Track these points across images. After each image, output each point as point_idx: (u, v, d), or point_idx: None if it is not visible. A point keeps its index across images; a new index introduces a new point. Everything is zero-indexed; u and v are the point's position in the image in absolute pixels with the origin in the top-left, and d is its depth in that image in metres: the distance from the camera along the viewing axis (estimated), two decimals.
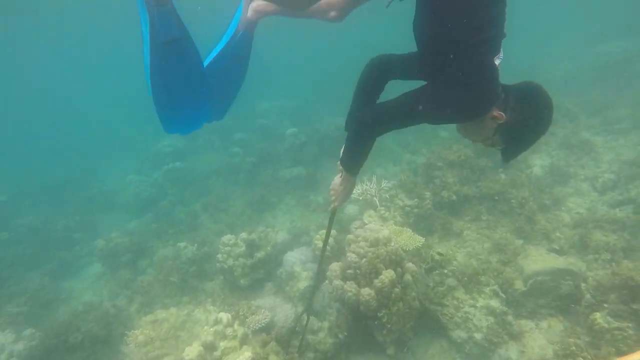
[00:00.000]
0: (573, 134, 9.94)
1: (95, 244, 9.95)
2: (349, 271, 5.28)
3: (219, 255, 7.77)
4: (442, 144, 12.43)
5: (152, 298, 7.94)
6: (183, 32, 2.84)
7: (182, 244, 9.12)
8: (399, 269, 5.38)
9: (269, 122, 18.70)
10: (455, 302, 5.86)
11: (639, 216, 6.98)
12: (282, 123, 18.64)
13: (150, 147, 17.14)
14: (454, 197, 8.06)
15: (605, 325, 5.18)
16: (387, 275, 5.00)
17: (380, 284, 4.96)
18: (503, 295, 5.87)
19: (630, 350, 5.01)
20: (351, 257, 5.30)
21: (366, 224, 6.54)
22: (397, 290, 5.07)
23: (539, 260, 6.21)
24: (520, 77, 2.74)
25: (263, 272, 7.64)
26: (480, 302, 5.75)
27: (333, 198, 3.41)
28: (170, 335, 4.97)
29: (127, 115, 24.63)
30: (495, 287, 5.88)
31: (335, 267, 5.47)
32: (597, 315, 5.29)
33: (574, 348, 4.70)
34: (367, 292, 4.98)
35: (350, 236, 5.82)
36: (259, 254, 7.67)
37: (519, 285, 6.04)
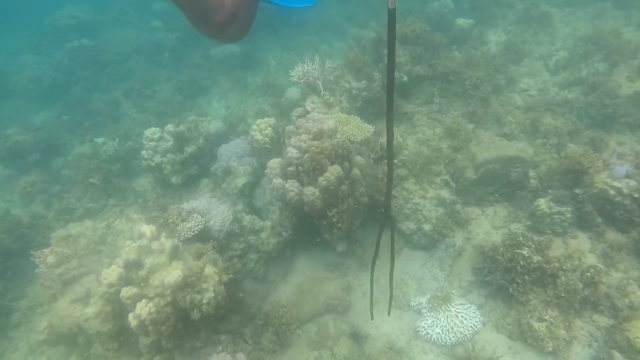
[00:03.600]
0: (533, 6, 9.11)
1: None
2: (290, 168, 4.63)
3: (144, 152, 6.76)
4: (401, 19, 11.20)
5: (72, 203, 7.01)
6: None
7: (100, 140, 7.91)
8: (346, 164, 4.81)
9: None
10: (405, 194, 5.55)
11: (587, 97, 6.74)
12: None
13: (44, 18, 14.06)
14: (405, 78, 7.30)
15: (547, 210, 5.16)
16: (333, 172, 4.41)
17: (325, 182, 4.40)
18: (453, 184, 5.62)
19: (565, 232, 5.15)
20: (292, 152, 4.59)
21: (309, 112, 5.73)
22: (344, 187, 4.56)
23: (491, 147, 5.90)
24: None
25: (196, 168, 6.85)
26: (431, 193, 5.48)
27: None
28: (89, 251, 4.27)
29: None
30: (447, 176, 5.59)
31: (274, 164, 4.78)
32: (541, 201, 5.24)
33: (520, 239, 4.63)
34: (311, 192, 4.42)
35: (290, 127, 5.03)
36: (190, 148, 6.76)
37: (470, 173, 5.80)
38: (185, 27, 12.86)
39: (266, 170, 4.90)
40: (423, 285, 5.24)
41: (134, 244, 3.83)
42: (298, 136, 4.83)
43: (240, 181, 6.01)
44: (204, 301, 3.58)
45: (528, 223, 5.44)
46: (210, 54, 11.86)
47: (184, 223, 4.50)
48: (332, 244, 5.00)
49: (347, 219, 4.57)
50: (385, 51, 7.61)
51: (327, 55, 10.59)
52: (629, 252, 4.84)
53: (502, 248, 4.79)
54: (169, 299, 3.53)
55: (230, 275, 4.33)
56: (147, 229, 3.88)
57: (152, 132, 6.80)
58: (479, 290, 5.03)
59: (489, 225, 5.62)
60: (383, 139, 6.31)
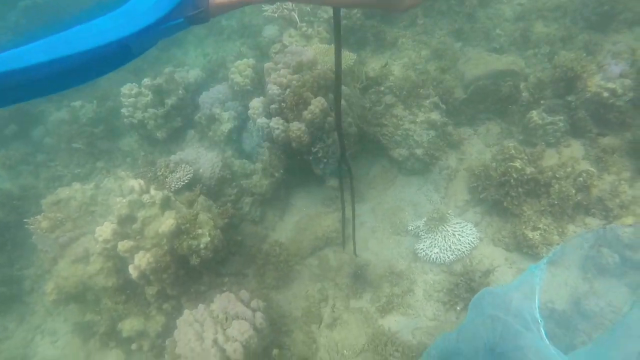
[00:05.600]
0: None
1: None
2: (273, 106, 4.47)
3: (124, 110, 6.54)
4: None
5: (60, 170, 6.90)
6: None
7: (77, 103, 7.62)
8: (330, 95, 4.64)
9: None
10: (395, 120, 5.43)
11: None
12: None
13: None
14: None
15: (540, 121, 5.06)
16: (317, 104, 4.27)
17: (310, 115, 4.27)
18: (443, 106, 5.47)
19: (558, 142, 5.09)
20: (273, 89, 4.41)
21: (287, 47, 5.45)
22: (330, 119, 4.43)
23: (480, 63, 5.69)
24: None
25: (180, 120, 6.65)
26: (420, 117, 5.35)
27: None
28: (82, 213, 4.24)
29: None
30: (435, 98, 5.42)
31: (256, 103, 4.63)
32: (534, 113, 5.13)
33: (512, 152, 4.58)
34: (296, 127, 4.31)
35: (269, 64, 4.81)
36: (170, 100, 6.52)
37: (459, 93, 5.64)
38: None
39: (249, 112, 4.74)
40: (419, 210, 5.28)
41: (124, 200, 3.79)
42: (277, 72, 4.63)
43: (226, 127, 5.85)
44: (201, 246, 3.61)
45: (521, 137, 5.36)
46: None
47: (172, 174, 4.43)
48: (323, 178, 4.96)
49: (335, 152, 4.49)
50: None
51: None
52: (622, 154, 4.80)
53: (494, 163, 4.76)
54: (166, 247, 3.55)
55: (226, 220, 4.34)
56: (136, 183, 3.82)
57: (129, 88, 6.52)
58: (474, 208, 5.07)
59: (481, 144, 5.55)
60: (367, 68, 6.08)
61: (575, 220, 4.51)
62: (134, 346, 3.86)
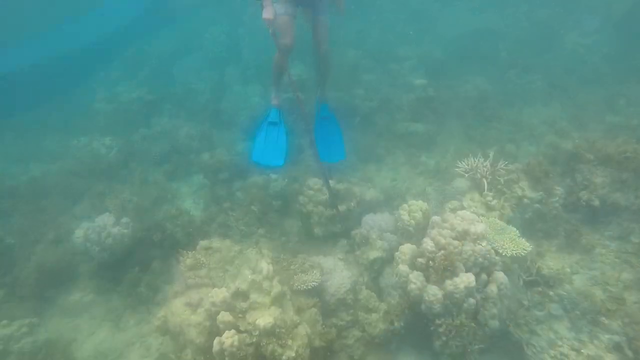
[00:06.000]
0: None
1: (202, 155, 10.48)
2: (420, 260, 4.32)
3: (300, 197, 7.40)
4: (605, 130, 9.83)
5: (231, 221, 8.08)
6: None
7: (274, 176, 9.00)
8: (483, 276, 4.23)
9: (401, 69, 17.08)
10: (552, 336, 4.51)
11: None
12: (416, 72, 16.90)
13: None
14: (597, 203, 6.14)
15: None
16: (464, 279, 3.92)
17: (452, 287, 3.94)
18: (630, 352, 4.28)
19: None
20: (427, 244, 4.30)
21: (464, 208, 5.33)
22: (472, 301, 3.98)
23: None
24: None
25: (340, 227, 7.05)
26: (590, 350, 4.29)
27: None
28: (219, 267, 4.79)
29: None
30: (621, 338, 4.30)
31: (405, 249, 4.56)
32: None
33: None
34: (433, 292, 4.01)
35: (436, 218, 4.75)
36: (341, 207, 7.05)
37: None
38: (381, 98, 13.96)
39: (396, 253, 4.70)
40: None
41: (250, 276, 4.12)
42: (440, 229, 4.52)
43: (374, 254, 5.90)
44: (283, 357, 3.53)
45: None
46: (394, 126, 12.45)
47: (302, 274, 4.63)
48: (440, 356, 4.36)
49: (460, 338, 3.93)
50: (580, 166, 6.68)
51: (512, 157, 9.83)
52: None
53: None
54: (254, 339, 3.62)
55: (323, 344, 4.19)
56: (265, 266, 4.13)
57: (314, 182, 7.40)
58: None
59: None
60: (543, 262, 5.35)
61: None
62: None
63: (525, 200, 6.35)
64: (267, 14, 5.15)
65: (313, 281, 4.56)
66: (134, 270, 7.20)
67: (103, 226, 7.35)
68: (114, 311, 6.96)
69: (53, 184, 10.40)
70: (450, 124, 12.83)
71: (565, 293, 4.81)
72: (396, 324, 4.93)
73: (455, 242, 4.18)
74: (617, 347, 4.24)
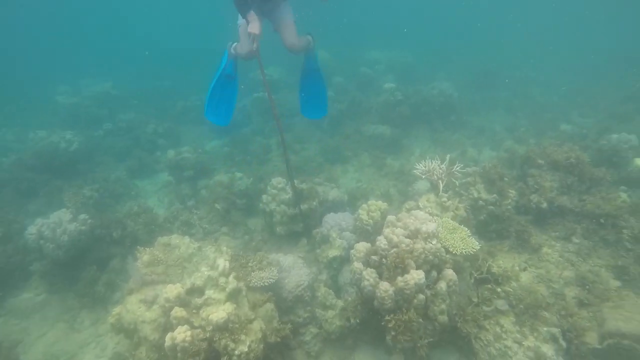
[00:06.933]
0: None
1: (167, 153, 10.33)
2: (374, 257, 4.46)
3: (264, 196, 7.43)
4: (557, 137, 10.36)
5: (194, 219, 8.03)
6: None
7: (239, 174, 8.99)
8: (434, 273, 4.41)
9: (372, 72, 17.42)
10: (498, 330, 4.74)
11: None
12: (386, 76, 17.26)
13: (252, 73, 17.15)
14: (545, 205, 6.50)
15: None
16: (415, 276, 4.08)
17: (403, 284, 4.09)
18: (563, 343, 4.57)
19: None
20: (381, 241, 4.45)
21: (420, 209, 5.53)
22: (421, 297, 4.15)
23: (634, 319, 4.68)
24: None
25: (301, 227, 7.13)
26: (529, 342, 4.55)
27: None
28: (177, 264, 4.77)
29: None
30: (557, 331, 4.59)
31: (360, 247, 4.69)
32: None
33: None
34: (384, 288, 4.15)
35: (391, 217, 4.92)
36: (303, 206, 7.13)
37: (591, 339, 4.66)
38: (351, 101, 14.18)
39: (351, 251, 4.83)
40: None
41: (206, 272, 4.14)
42: (394, 228, 4.68)
43: (332, 253, 6.01)
44: (236, 352, 3.57)
45: None
46: (362, 128, 12.68)
47: (259, 271, 4.68)
48: (391, 351, 4.51)
49: (409, 333, 4.09)
50: (531, 171, 7.04)
51: (473, 161, 10.26)
52: None
53: None
54: (207, 335, 3.64)
55: (278, 339, 4.25)
56: (222, 262, 4.16)
57: (277, 181, 7.45)
58: None
59: None
60: (494, 262, 5.62)
61: None
62: None
63: (481, 202, 6.65)
64: (252, 28, 5.35)
65: (270, 278, 4.61)
66: (92, 268, 7.02)
67: (59, 222, 7.13)
68: (68, 311, 6.76)
69: (6, 178, 9.97)
70: (417, 128, 13.20)
71: (511, 290, 5.06)
72: (352, 320, 5.03)
73: (407, 241, 4.34)
74: (553, 338, 4.51)
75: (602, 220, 6.22)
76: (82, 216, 7.34)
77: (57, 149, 10.58)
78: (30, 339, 6.20)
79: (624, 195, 6.98)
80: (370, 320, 4.98)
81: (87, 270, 6.92)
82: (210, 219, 7.95)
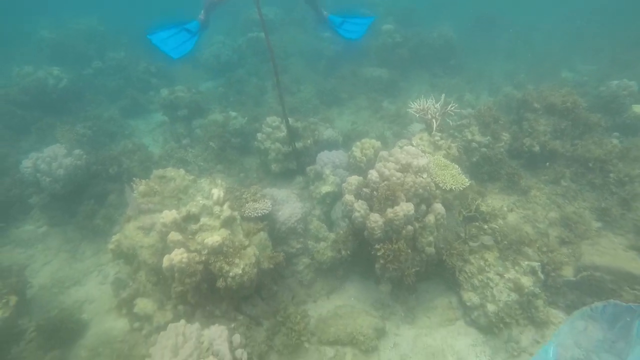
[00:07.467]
0: None
1: (161, 92, 10.14)
2: (365, 190, 4.57)
3: (259, 135, 7.43)
4: (557, 85, 10.24)
5: (190, 157, 8.06)
6: None
7: (233, 113, 8.91)
8: (423, 206, 4.55)
9: (371, 14, 16.72)
10: (482, 264, 4.98)
11: None
12: (385, 18, 16.61)
13: (244, 13, 16.43)
14: (537, 149, 6.58)
15: None
16: (404, 208, 4.21)
17: (392, 215, 4.23)
18: (542, 275, 4.83)
19: None
20: (372, 175, 4.54)
21: (412, 146, 5.57)
22: (410, 228, 4.31)
23: (607, 253, 4.93)
24: None
25: (296, 165, 7.20)
26: (510, 274, 4.80)
27: None
28: (172, 195, 4.86)
29: None
30: (536, 264, 4.83)
31: (352, 180, 4.79)
32: None
33: None
34: (374, 219, 4.29)
35: (384, 153, 4.98)
36: (298, 144, 7.16)
37: (567, 272, 4.93)
38: (347, 44, 13.74)
39: (343, 184, 4.93)
40: None
41: (201, 201, 4.24)
42: (386, 162, 4.76)
43: (326, 189, 6.13)
44: (230, 274, 3.77)
45: None
46: (359, 71, 12.42)
47: (253, 202, 4.79)
48: (380, 279, 4.76)
49: (397, 261, 4.29)
50: (527, 115, 7.03)
51: (470, 106, 10.17)
52: None
53: None
54: (203, 257, 3.82)
55: (271, 266, 4.45)
56: (216, 192, 4.26)
57: (272, 119, 7.42)
58: None
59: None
60: (483, 201, 5.78)
61: None
62: (136, 324, 4.13)
63: (474, 144, 6.71)
64: None
65: (263, 209, 4.74)
66: (90, 202, 7.15)
67: (54, 156, 7.13)
68: (69, 242, 6.96)
69: None
70: (415, 71, 12.94)
71: (497, 227, 5.25)
72: (343, 252, 5.25)
73: (398, 174, 4.43)
74: (533, 271, 4.77)
75: (590, 164, 6.33)
76: (77, 151, 7.33)
77: (46, 85, 10.33)
78: (36, 265, 6.45)
79: (615, 141, 7.07)
80: (360, 252, 5.20)
81: (85, 204, 7.04)
82: (206, 157, 7.99)
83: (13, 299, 4.58)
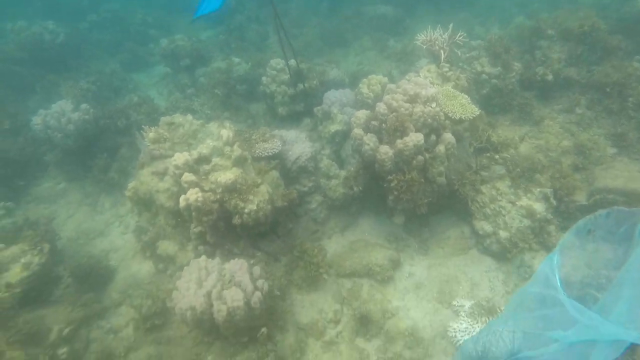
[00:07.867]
0: None
1: (160, 42, 9.89)
2: (374, 122, 4.52)
3: (264, 78, 7.30)
4: (575, 8, 9.69)
5: (196, 105, 8.01)
6: None
7: (236, 59, 8.70)
8: (433, 137, 4.51)
9: None
10: (494, 193, 5.01)
11: None
12: None
13: None
14: (550, 77, 6.35)
15: None
16: (414, 138, 4.18)
17: (402, 145, 4.21)
18: (554, 201, 4.85)
19: None
20: (380, 107, 4.47)
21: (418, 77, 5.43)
22: (420, 158, 4.31)
23: (622, 176, 4.89)
24: None
25: (303, 106, 7.11)
26: (522, 202, 4.83)
27: None
28: (182, 141, 4.89)
29: None
30: (549, 190, 4.84)
31: (360, 114, 4.73)
32: None
33: None
34: (384, 151, 4.29)
35: (391, 85, 4.88)
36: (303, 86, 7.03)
37: (580, 197, 4.93)
38: None
39: (351, 119, 4.88)
40: (476, 291, 4.78)
41: (211, 143, 4.27)
42: (393, 94, 4.66)
43: (334, 127, 6.07)
44: (245, 210, 3.86)
45: None
46: (362, 9, 11.87)
47: (263, 143, 4.81)
48: (393, 211, 4.84)
49: (410, 192, 4.33)
50: (540, 43, 6.74)
51: (480, 39, 9.75)
52: None
53: None
54: (218, 196, 3.90)
55: (285, 203, 4.54)
56: (225, 133, 4.26)
57: (276, 62, 7.25)
58: None
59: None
60: (494, 132, 5.70)
61: None
62: (160, 266, 4.32)
63: (484, 76, 6.50)
64: None
65: (273, 148, 4.76)
66: (103, 156, 7.24)
67: (62, 112, 7.14)
68: (89, 196, 7.15)
69: None
70: (421, 7, 12.32)
71: (509, 156, 5.22)
72: (355, 188, 5.30)
73: (407, 105, 4.36)
74: (545, 197, 4.78)
75: (608, 89, 6.12)
76: (84, 106, 7.32)
77: (43, 40, 10.11)
78: (60, 219, 6.68)
79: (636, 64, 6.77)
80: (372, 188, 5.25)
81: (99, 157, 7.14)
82: (212, 105, 7.93)
83: (46, 246, 4.82)
